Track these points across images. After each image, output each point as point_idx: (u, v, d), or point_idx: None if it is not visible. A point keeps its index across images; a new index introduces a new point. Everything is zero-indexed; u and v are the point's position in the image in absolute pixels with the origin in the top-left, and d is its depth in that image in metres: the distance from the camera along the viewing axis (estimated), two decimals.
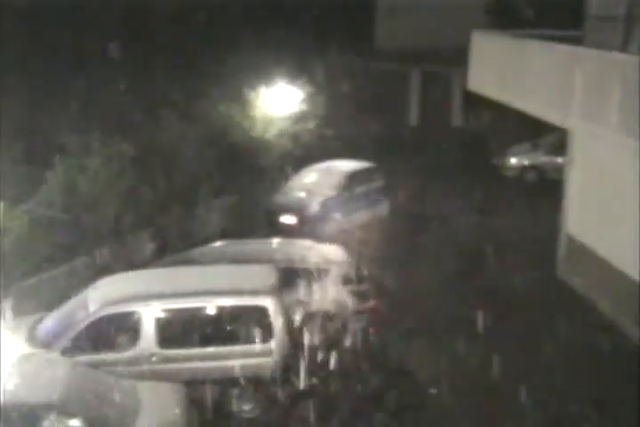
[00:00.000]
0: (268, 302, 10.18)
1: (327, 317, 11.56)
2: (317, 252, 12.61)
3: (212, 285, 10.57)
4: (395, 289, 13.17)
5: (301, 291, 11.66)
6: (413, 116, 26.72)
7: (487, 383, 10.53)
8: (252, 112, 18.75)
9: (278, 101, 19.14)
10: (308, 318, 11.33)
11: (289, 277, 11.52)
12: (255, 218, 16.59)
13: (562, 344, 11.59)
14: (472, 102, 21.82)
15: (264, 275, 10.88)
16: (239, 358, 10.11)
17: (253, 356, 10.12)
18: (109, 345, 10.06)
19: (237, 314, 10.24)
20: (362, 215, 17.23)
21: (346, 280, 12.14)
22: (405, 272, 14.24)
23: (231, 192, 17.37)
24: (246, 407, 10.23)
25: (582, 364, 11.15)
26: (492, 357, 11.06)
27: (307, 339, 10.90)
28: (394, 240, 15.93)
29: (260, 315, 10.18)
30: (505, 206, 18.52)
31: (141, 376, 9.78)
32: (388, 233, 16.38)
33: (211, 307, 10.22)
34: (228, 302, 10.23)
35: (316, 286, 11.90)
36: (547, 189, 18.69)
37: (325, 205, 16.88)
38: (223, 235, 15.30)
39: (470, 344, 11.59)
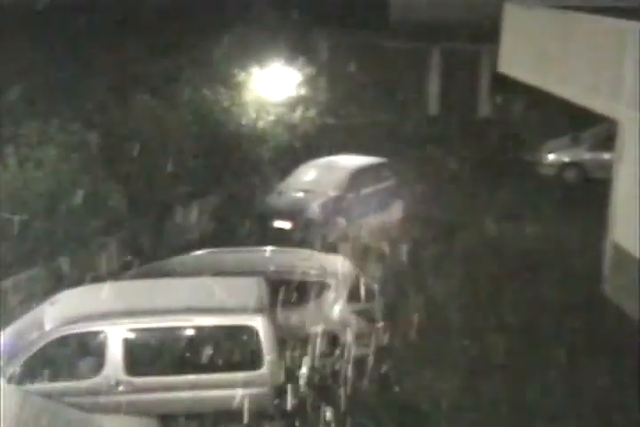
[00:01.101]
0: (258, 322, 10.17)
1: (328, 340, 11.55)
2: (317, 262, 12.62)
3: (191, 301, 10.57)
4: (409, 309, 13.18)
5: (298, 309, 11.66)
6: (433, 104, 26.72)
7: None
8: (243, 97, 18.79)
9: (273, 85, 19.16)
10: (306, 341, 11.33)
11: (283, 292, 11.52)
12: (244, 222, 16.62)
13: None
14: (503, 87, 21.82)
15: (254, 290, 10.90)
16: (223, 389, 10.10)
17: (240, 386, 10.10)
18: (68, 371, 10.04)
19: (221, 336, 10.24)
20: (370, 220, 17.28)
21: (351, 297, 12.14)
22: (423, 289, 14.25)
23: (216, 192, 17.40)
24: None
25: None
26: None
27: (303, 366, 10.87)
28: (408, 250, 15.88)
29: (248, 337, 10.18)
30: (541, 211, 18.50)
31: (106, 409, 9.75)
32: (401, 241, 16.33)
33: (190, 327, 10.23)
34: (211, 321, 10.23)
35: (315, 304, 11.91)
36: (590, 191, 18.71)
37: (327, 208, 16.94)
38: (206, 242, 15.34)
39: (500, 383, 11.50)
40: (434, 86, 26.75)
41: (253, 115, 18.58)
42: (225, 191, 17.38)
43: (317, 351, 11.33)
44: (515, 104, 23.85)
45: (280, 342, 10.38)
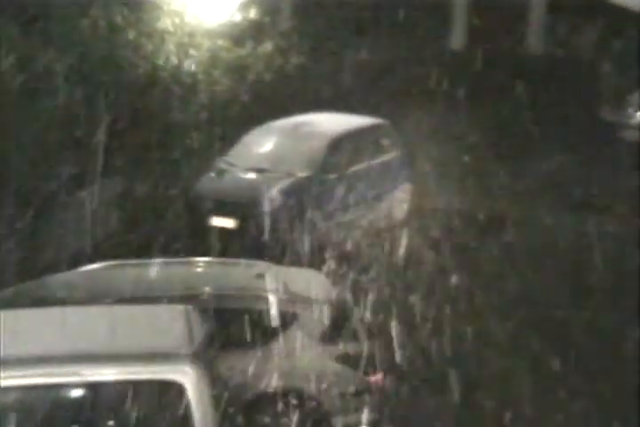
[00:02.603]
0: (186, 376, 10.12)
1: (295, 402, 11.57)
2: (279, 281, 12.60)
3: (81, 343, 10.50)
4: (424, 353, 13.26)
5: (249, 354, 11.68)
6: (457, 34, 26.81)
7: None
8: (159, 24, 18.68)
9: (207, 4, 19.09)
10: (260, 404, 11.38)
11: (226, 328, 11.59)
12: (163, 219, 16.66)
13: None
14: (564, 9, 21.86)
15: (179, 324, 10.83)
16: None
17: None
18: None
19: (129, 397, 10.14)
20: (361, 213, 17.41)
21: (332, 335, 12.16)
22: (445, 322, 14.26)
23: (119, 173, 17.37)
24: None
25: None
26: None
27: None
28: (420, 260, 15.95)
29: (170, 398, 10.13)
30: (624, 196, 18.53)
31: None
32: (409, 246, 16.38)
33: (79, 385, 10.13)
34: (112, 375, 10.17)
35: (276, 346, 11.92)
36: None
37: (294, 196, 17.04)
38: (103, 250, 15.35)
39: None
40: (459, 8, 26.80)
41: (176, 52, 18.48)
42: (133, 172, 17.29)
43: (281, 421, 11.33)
44: (583, 34, 23.91)
45: (221, 407, 10.32)
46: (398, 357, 12.74)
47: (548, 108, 22.34)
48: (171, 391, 10.11)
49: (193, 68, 18.61)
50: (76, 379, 10.11)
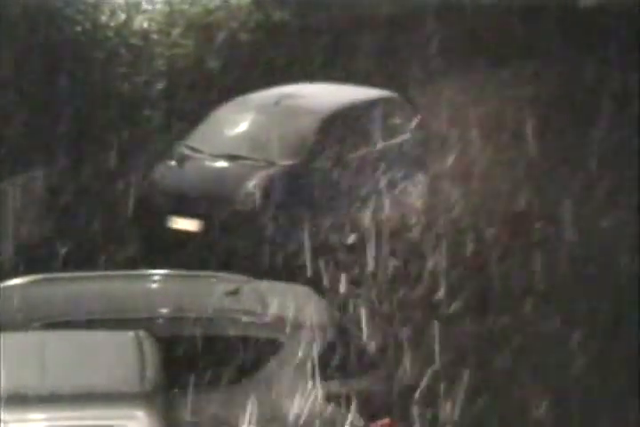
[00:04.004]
0: (137, 421, 10.16)
1: None
2: (257, 300, 12.65)
3: (4, 379, 10.43)
4: (441, 392, 13.24)
5: (219, 394, 11.68)
6: None
7: None
8: None
9: None
10: None
11: (189, 359, 11.63)
12: (109, 220, 16.68)
13: None
14: None
15: (128, 356, 10.91)
16: None
17: None
18: None
19: None
20: (363, 212, 17.45)
21: (326, 368, 12.13)
22: (470, 349, 14.35)
23: (50, 160, 17.33)
24: None
25: None
26: None
27: None
28: (440, 273, 16.02)
29: None
30: None
31: None
32: (426, 256, 16.42)
33: None
34: (43, 420, 10.18)
35: (253, 384, 11.94)
36: None
37: (276, 190, 17.08)
38: (30, 260, 15.30)
39: None
40: None
41: (124, 5, 18.50)
42: (67, 159, 17.26)
43: None
44: None
45: None
46: (412, 396, 12.80)
47: (599, 74, 22.41)
48: None
49: (145, 25, 18.61)
50: None
